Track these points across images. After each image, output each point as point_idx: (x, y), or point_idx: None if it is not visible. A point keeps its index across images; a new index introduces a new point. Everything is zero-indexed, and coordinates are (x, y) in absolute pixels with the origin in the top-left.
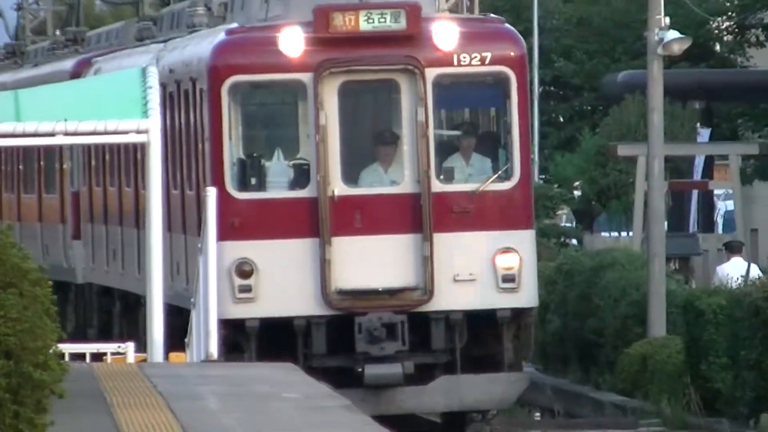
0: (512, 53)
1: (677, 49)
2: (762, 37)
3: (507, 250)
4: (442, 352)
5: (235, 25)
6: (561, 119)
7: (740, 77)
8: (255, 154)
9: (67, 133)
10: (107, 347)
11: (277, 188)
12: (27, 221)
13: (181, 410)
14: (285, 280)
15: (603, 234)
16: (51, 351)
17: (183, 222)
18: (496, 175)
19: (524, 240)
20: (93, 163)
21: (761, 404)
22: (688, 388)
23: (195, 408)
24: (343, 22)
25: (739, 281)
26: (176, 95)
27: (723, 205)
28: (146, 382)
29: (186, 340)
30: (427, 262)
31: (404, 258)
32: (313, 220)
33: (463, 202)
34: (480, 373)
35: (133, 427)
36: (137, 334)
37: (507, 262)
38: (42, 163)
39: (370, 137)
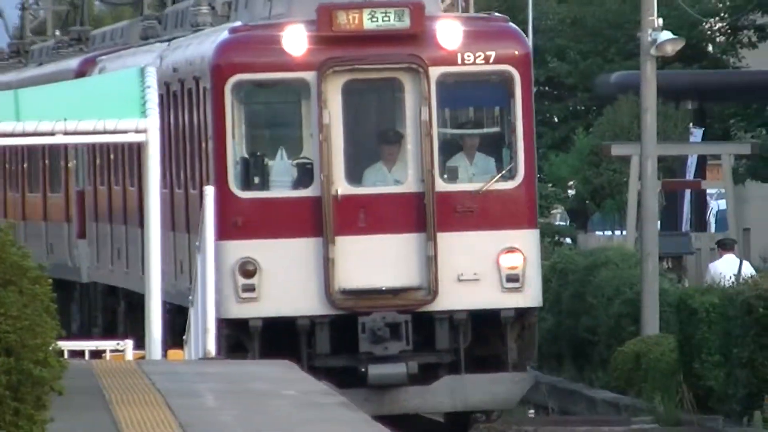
0: (516, 52)
1: (670, 49)
2: (754, 38)
3: (511, 249)
4: (446, 352)
5: (238, 23)
6: (555, 119)
7: (732, 78)
8: (258, 153)
9: (66, 133)
10: (106, 344)
11: (281, 187)
12: (32, 220)
13: (179, 407)
14: (288, 280)
15: (597, 233)
16: (50, 348)
17: (186, 221)
18: (500, 175)
19: (528, 239)
20: (97, 162)
21: (754, 402)
22: (681, 386)
23: (193, 405)
24: (346, 21)
25: (732, 279)
26: (180, 94)
27: (715, 205)
28: (145, 380)
29: (184, 337)
30: (430, 261)
31: (408, 257)
32: (317, 219)
33: (467, 201)
34: (484, 373)
35: (131, 423)
36: (141, 333)
37: (511, 261)
38: (47, 161)
39: (373, 136)
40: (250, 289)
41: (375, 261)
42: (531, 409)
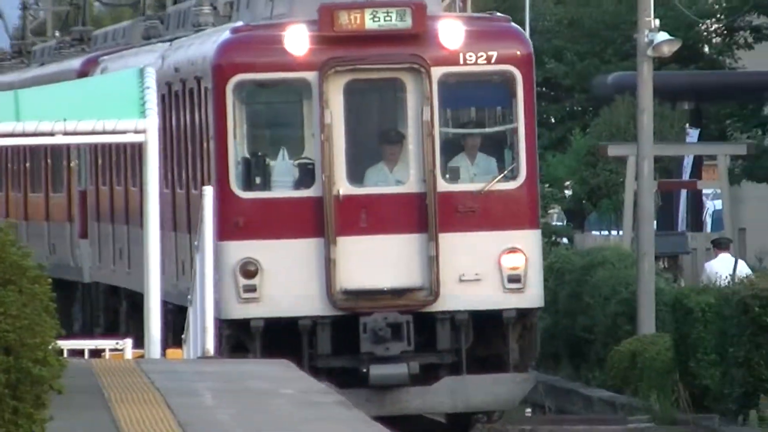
0: (518, 52)
1: (667, 50)
2: (750, 39)
3: (513, 250)
4: (447, 353)
5: (240, 23)
6: (552, 120)
7: (729, 79)
8: (260, 153)
9: (66, 133)
10: (105, 343)
11: (282, 188)
12: (34, 220)
13: (178, 406)
14: (290, 280)
15: (593, 233)
16: (50, 347)
17: (188, 221)
18: (502, 175)
19: (530, 240)
20: (99, 162)
21: (749, 401)
22: (677, 385)
23: (192, 404)
24: (348, 21)
25: (727, 278)
26: (181, 94)
27: (711, 205)
28: (144, 378)
29: (183, 336)
30: (432, 262)
31: (409, 258)
32: (318, 219)
33: (469, 201)
34: (485, 373)
35: (130, 422)
36: (143, 333)
37: (513, 262)
38: (49, 161)
39: (375, 136)
40: (252, 289)
41: (376, 261)
42: (528, 408)
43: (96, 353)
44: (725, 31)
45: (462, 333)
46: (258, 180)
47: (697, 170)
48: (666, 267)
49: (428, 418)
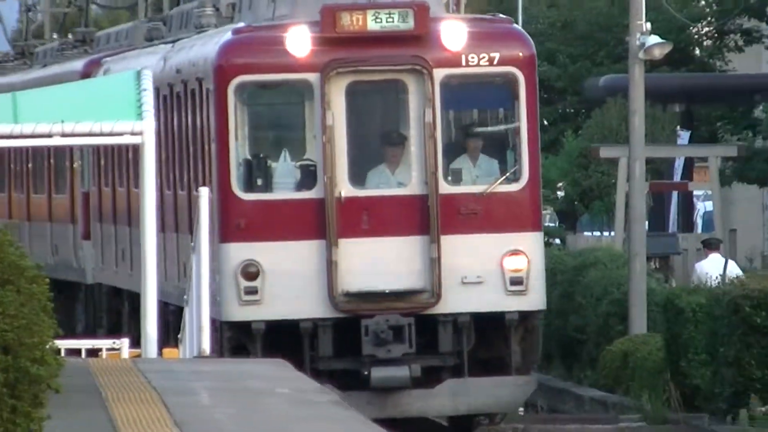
0: (521, 54)
1: (658, 53)
2: (740, 42)
3: (515, 252)
4: (449, 355)
5: (241, 24)
6: (545, 122)
7: (719, 81)
8: (261, 155)
9: (63, 135)
10: (102, 343)
11: (284, 189)
12: (37, 221)
13: (174, 405)
14: (291, 282)
15: (585, 234)
16: (47, 346)
17: (190, 223)
18: (504, 177)
19: (532, 242)
20: (102, 163)
21: (739, 400)
22: (668, 384)
23: (188, 403)
24: (350, 22)
25: (718, 278)
26: (183, 95)
27: (702, 206)
28: (140, 378)
29: (179, 336)
30: (434, 264)
31: (411, 260)
32: (320, 221)
33: (471, 203)
34: (487, 376)
35: (127, 421)
36: None
37: (515, 264)
38: (52, 162)
39: (377, 138)
40: (253, 291)
41: (378, 263)
42: (521, 407)
43: (93, 353)
44: (716, 34)
45: (464, 335)
46: (259, 181)
47: (688, 172)
48: (657, 267)
49: (430, 421)
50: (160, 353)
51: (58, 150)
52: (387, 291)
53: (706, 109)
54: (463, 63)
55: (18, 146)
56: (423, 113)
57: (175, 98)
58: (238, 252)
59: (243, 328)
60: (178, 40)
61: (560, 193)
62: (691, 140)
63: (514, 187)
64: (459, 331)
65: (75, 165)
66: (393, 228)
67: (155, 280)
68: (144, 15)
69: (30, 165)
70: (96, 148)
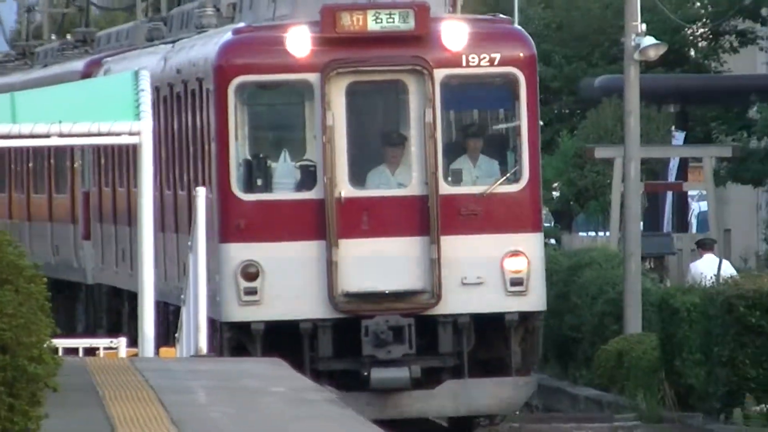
0: (521, 54)
1: (653, 54)
2: (735, 43)
3: (515, 253)
4: (449, 356)
5: (241, 24)
6: (541, 122)
7: (714, 82)
8: (261, 155)
9: (61, 135)
10: (100, 342)
11: (284, 190)
12: (37, 221)
13: (171, 404)
14: (291, 283)
15: (581, 234)
16: (45, 345)
17: (190, 223)
18: (505, 177)
19: (533, 243)
20: (102, 163)
21: (733, 399)
22: (663, 384)
23: (185, 401)
24: (350, 22)
25: (712, 278)
26: (183, 95)
27: (697, 206)
28: (138, 376)
29: (176, 335)
30: (434, 265)
31: (411, 261)
32: (320, 222)
33: (471, 204)
34: (487, 377)
35: (124, 420)
36: None
37: (515, 265)
38: (52, 162)
39: (377, 138)
40: (253, 292)
41: (378, 264)
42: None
43: (90, 352)
44: (711, 36)
45: (464, 336)
46: (259, 182)
47: (682, 172)
48: (652, 267)
49: (431, 422)
50: (157, 352)
51: (59, 150)
52: (387, 292)
53: (700, 109)
54: (464, 63)
55: (17, 146)
56: (423, 113)
57: (175, 98)
58: (238, 252)
59: (243, 328)
60: (178, 40)
61: (555, 193)
62: (686, 141)
63: (514, 188)
64: (459, 331)
65: (75, 165)
66: (393, 228)
67: (152, 279)
68: (144, 16)
69: (30, 165)
70: (96, 148)
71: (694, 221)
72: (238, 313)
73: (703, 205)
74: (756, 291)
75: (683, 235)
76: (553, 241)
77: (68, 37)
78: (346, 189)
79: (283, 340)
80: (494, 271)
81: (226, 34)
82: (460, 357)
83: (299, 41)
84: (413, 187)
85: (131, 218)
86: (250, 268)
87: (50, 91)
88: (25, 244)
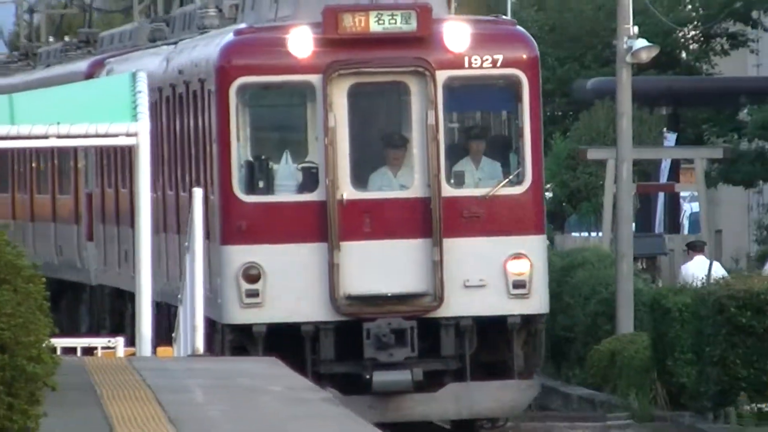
0: (524, 56)
1: (645, 57)
2: (726, 46)
3: (518, 255)
4: (451, 359)
5: (243, 25)
6: None
7: (705, 84)
8: (263, 157)
9: (59, 136)
10: (98, 341)
11: (286, 191)
12: (40, 221)
13: (168, 403)
14: (293, 285)
15: (573, 234)
16: (44, 345)
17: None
18: (507, 180)
19: (535, 245)
20: (105, 164)
21: (725, 399)
22: (655, 383)
23: (182, 401)
24: (352, 23)
25: (703, 279)
26: (185, 96)
27: (688, 207)
28: (135, 376)
29: (173, 335)
30: (436, 267)
31: (414, 263)
32: (322, 224)
33: (474, 206)
34: (490, 380)
35: (122, 419)
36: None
37: (518, 267)
38: (56, 162)
39: (379, 140)
40: (254, 294)
41: (380, 267)
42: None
43: (89, 351)
44: (702, 38)
45: (466, 339)
46: (261, 183)
47: (674, 173)
48: (644, 268)
49: (433, 425)
50: (154, 352)
51: (62, 150)
52: (389, 294)
53: (692, 111)
54: (466, 65)
55: (15, 147)
56: (425, 115)
57: (177, 99)
58: (240, 254)
59: (244, 330)
60: (180, 40)
61: (548, 194)
62: (678, 142)
63: (516, 190)
64: (461, 334)
65: (79, 166)
66: (395, 231)
67: (150, 279)
68: (140, 18)
69: (34, 165)
70: (99, 149)
71: (685, 222)
72: (239, 315)
73: (695, 206)
74: (746, 291)
75: (675, 236)
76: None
77: (66, 38)
78: (348, 191)
79: (284, 342)
80: (497, 274)
81: (227, 35)
82: (463, 360)
83: (301, 42)
84: (415, 189)
85: (134, 219)
86: (251, 270)
87: (48, 93)
88: (28, 244)
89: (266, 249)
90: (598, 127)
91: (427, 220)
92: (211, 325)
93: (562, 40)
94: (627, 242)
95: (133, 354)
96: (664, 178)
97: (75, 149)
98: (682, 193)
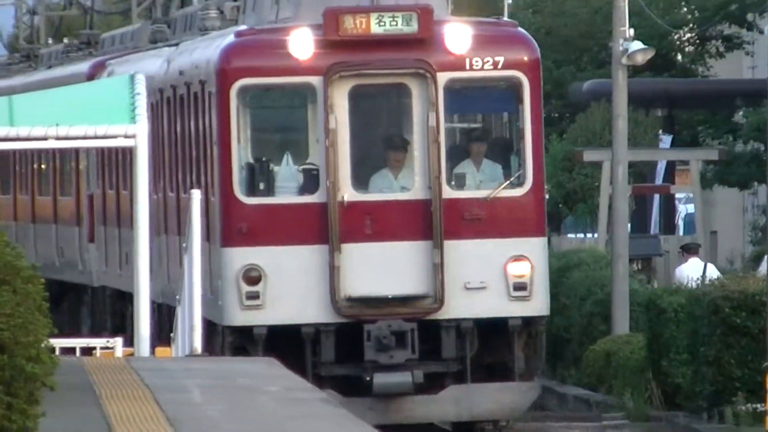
0: (525, 57)
1: (641, 59)
2: (721, 48)
3: (519, 257)
4: (452, 361)
5: (244, 27)
6: None
7: (701, 86)
8: (264, 159)
9: (58, 138)
10: (96, 342)
11: (286, 193)
12: (42, 223)
13: (167, 402)
14: (293, 287)
15: (569, 235)
16: (43, 345)
17: None
18: (508, 182)
19: (536, 248)
20: (106, 166)
21: (719, 399)
22: (650, 383)
23: (180, 400)
24: (353, 25)
25: (698, 281)
26: (186, 98)
27: (684, 209)
28: (134, 376)
29: (171, 335)
30: (437, 269)
31: (414, 265)
32: (323, 226)
33: (475, 208)
34: (491, 382)
35: (121, 418)
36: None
37: (518, 270)
38: (57, 163)
39: (380, 142)
40: (255, 296)
41: (381, 268)
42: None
43: (87, 351)
44: (697, 41)
45: (467, 341)
46: (262, 185)
47: (670, 175)
48: (639, 269)
49: (434, 427)
50: (152, 352)
51: (64, 152)
52: (390, 296)
53: (687, 113)
54: (467, 67)
55: (14, 149)
56: (426, 117)
57: (178, 101)
58: (240, 256)
59: (245, 332)
60: (181, 42)
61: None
62: (673, 144)
63: (517, 192)
64: (462, 336)
65: (80, 167)
66: (396, 233)
67: (148, 280)
68: (139, 20)
69: (35, 167)
70: (100, 151)
71: (681, 223)
72: (240, 317)
73: (690, 208)
74: (741, 292)
75: (670, 237)
76: None
77: (65, 40)
78: (348, 193)
79: (285, 344)
80: (497, 276)
81: (228, 37)
82: (463, 362)
83: (302, 44)
84: (416, 191)
85: (134, 221)
86: (252, 272)
87: (47, 95)
88: (29, 246)
89: (267, 251)
90: (594, 128)
91: (428, 222)
92: (211, 326)
93: (558, 42)
94: (622, 243)
95: (132, 354)
96: (659, 180)
97: (76, 151)
98: (677, 195)
